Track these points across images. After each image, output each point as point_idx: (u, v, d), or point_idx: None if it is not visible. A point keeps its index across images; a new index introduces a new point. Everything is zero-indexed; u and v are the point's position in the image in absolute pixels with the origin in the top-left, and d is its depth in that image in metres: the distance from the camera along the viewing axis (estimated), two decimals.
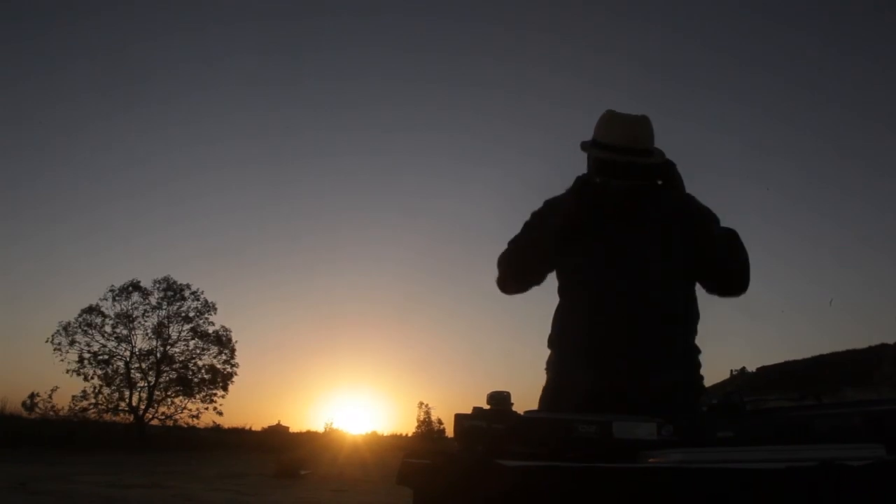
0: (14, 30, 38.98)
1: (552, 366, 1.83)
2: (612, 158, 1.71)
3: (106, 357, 25.95)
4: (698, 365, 1.78)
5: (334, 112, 51.46)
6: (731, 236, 1.80)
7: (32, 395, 24.49)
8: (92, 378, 25.43)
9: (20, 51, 40.40)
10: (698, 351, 1.79)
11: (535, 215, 1.93)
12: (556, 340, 1.84)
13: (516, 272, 1.88)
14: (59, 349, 25.29)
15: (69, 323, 25.61)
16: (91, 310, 26.11)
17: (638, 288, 1.71)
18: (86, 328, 25.90)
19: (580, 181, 1.86)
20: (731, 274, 1.80)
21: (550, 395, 1.78)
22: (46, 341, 25.06)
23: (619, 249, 1.73)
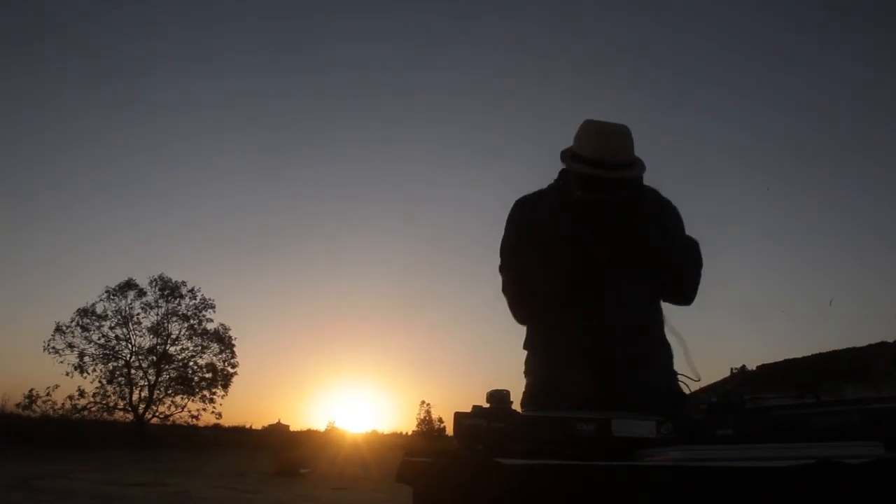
0: (10, 25, 38.95)
1: (537, 368, 1.82)
2: (590, 173, 1.68)
3: (107, 353, 25.96)
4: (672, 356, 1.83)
5: (334, 108, 51.46)
6: (691, 245, 1.83)
7: (29, 395, 24.49)
8: (93, 372, 25.43)
9: (16, 47, 40.37)
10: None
11: (513, 233, 1.89)
12: (542, 342, 1.83)
13: (537, 315, 1.85)
14: (58, 353, 25.28)
15: (63, 325, 25.58)
16: (86, 312, 26.08)
17: (625, 287, 1.73)
18: (81, 329, 25.87)
19: (562, 182, 1.85)
20: (679, 282, 1.81)
21: (540, 396, 1.75)
22: (44, 350, 25.05)
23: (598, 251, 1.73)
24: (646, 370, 1.69)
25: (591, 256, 1.71)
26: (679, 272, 1.79)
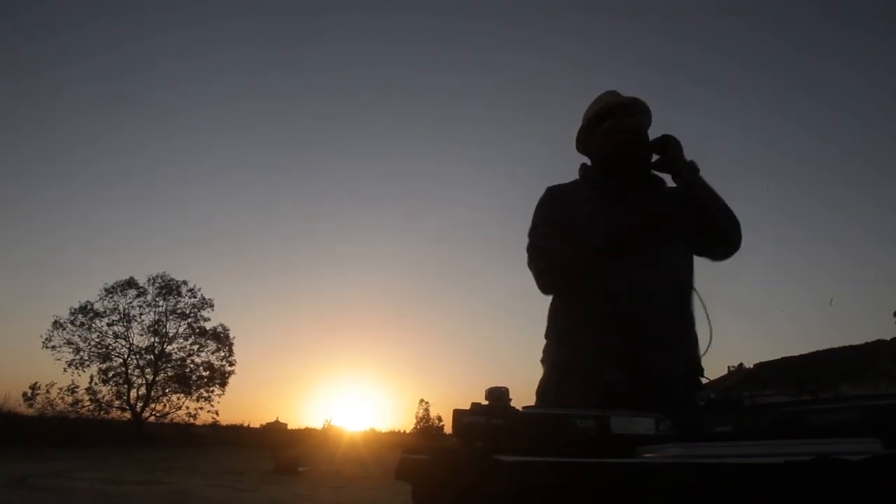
0: (10, 24, 38.84)
1: (558, 355, 1.79)
2: (618, 117, 1.83)
3: (104, 351, 25.90)
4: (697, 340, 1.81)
5: (336, 109, 51.41)
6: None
7: (34, 386, 24.48)
8: (89, 367, 25.38)
9: (16, 45, 40.24)
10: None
11: (546, 210, 1.90)
12: (566, 330, 1.80)
13: (565, 284, 1.83)
14: (55, 348, 25.25)
15: (61, 321, 25.52)
16: (84, 309, 26.03)
17: (656, 269, 1.72)
18: (79, 326, 25.82)
19: (584, 168, 1.94)
20: (723, 230, 1.80)
21: (559, 385, 1.74)
22: (43, 347, 25.02)
23: (629, 234, 1.73)
24: (675, 353, 1.69)
25: (622, 229, 1.71)
26: (721, 213, 1.79)
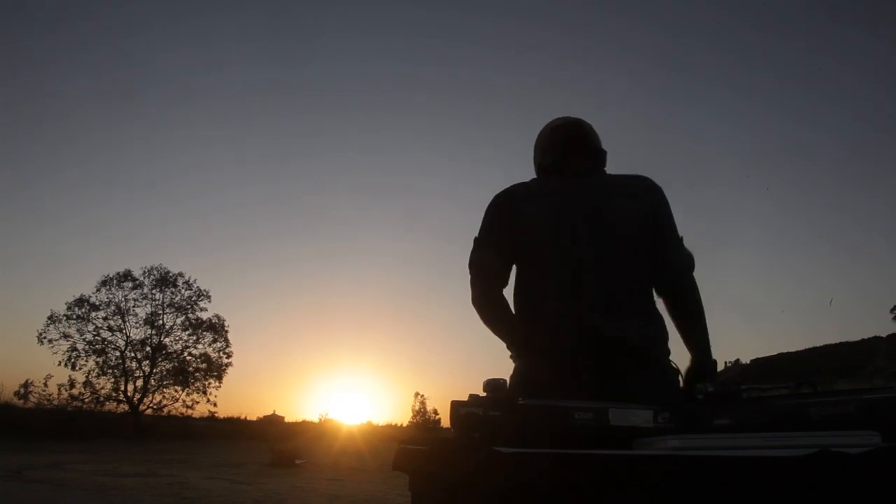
0: (9, 20, 38.67)
1: (523, 338, 1.78)
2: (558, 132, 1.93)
3: (100, 346, 25.83)
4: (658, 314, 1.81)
5: (335, 102, 51.26)
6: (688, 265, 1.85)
7: (26, 384, 24.39)
8: (85, 365, 25.31)
9: (15, 41, 40.07)
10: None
11: (491, 216, 1.91)
12: (525, 312, 1.81)
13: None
14: (51, 343, 25.17)
15: (56, 315, 25.43)
16: (81, 302, 25.95)
17: (604, 250, 1.73)
18: (75, 320, 25.73)
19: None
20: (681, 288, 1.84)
21: (524, 373, 1.73)
22: (40, 342, 24.92)
23: (575, 214, 1.77)
24: (634, 325, 1.68)
25: (566, 212, 1.76)
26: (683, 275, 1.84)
